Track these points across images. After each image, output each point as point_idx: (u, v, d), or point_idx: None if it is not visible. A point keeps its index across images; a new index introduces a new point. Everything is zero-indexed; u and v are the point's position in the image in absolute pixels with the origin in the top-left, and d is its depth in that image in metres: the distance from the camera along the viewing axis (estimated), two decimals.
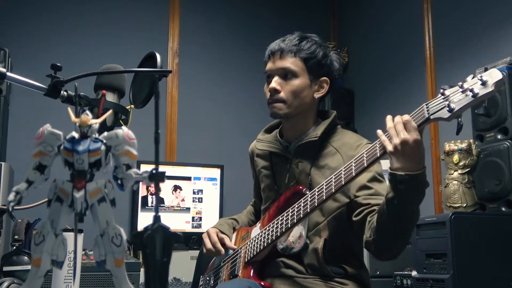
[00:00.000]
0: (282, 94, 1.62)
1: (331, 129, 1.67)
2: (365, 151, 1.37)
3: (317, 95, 1.67)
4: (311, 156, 1.63)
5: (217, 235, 1.74)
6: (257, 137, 1.82)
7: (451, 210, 2.51)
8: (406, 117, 1.29)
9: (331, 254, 1.54)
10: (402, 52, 3.70)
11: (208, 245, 1.72)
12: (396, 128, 1.29)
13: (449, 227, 2.20)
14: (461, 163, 2.54)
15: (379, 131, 1.34)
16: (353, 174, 1.37)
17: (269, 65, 1.67)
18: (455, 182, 2.55)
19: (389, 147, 1.29)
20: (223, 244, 1.72)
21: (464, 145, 2.53)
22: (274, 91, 1.62)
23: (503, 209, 2.39)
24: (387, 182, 1.37)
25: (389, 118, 1.33)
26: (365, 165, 1.35)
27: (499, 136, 2.47)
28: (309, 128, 1.68)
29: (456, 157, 2.56)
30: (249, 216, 1.92)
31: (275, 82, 1.63)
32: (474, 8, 3.11)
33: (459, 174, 2.55)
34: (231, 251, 1.73)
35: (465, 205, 2.51)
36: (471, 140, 2.56)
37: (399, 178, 1.29)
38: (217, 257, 1.80)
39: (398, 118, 1.30)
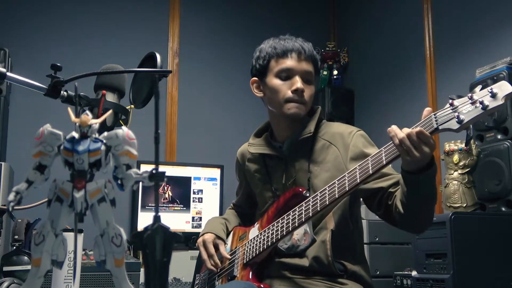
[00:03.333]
0: (305, 96, 1.62)
1: (318, 123, 1.68)
2: (370, 158, 1.37)
3: None
4: (306, 153, 1.63)
5: (213, 243, 1.71)
6: (249, 142, 1.80)
7: (451, 210, 2.51)
8: (418, 128, 1.27)
9: (336, 249, 1.53)
10: (402, 52, 3.70)
11: (205, 256, 1.70)
12: (411, 140, 1.27)
13: (449, 227, 2.20)
14: (461, 163, 2.54)
15: (393, 136, 1.31)
16: (358, 180, 1.37)
17: (292, 63, 1.63)
18: (455, 182, 2.55)
19: (406, 157, 1.29)
20: (217, 249, 1.70)
21: (464, 145, 2.53)
22: (302, 92, 1.61)
23: (503, 209, 2.39)
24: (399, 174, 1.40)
25: (395, 130, 1.30)
26: (370, 172, 1.36)
27: (499, 136, 2.47)
28: (297, 127, 1.68)
29: (456, 157, 2.56)
30: (236, 219, 1.89)
31: (302, 84, 1.61)
32: (474, 8, 3.11)
33: (459, 174, 2.55)
34: (228, 249, 1.73)
35: (465, 205, 2.51)
36: (472, 140, 2.56)
37: (421, 179, 1.32)
38: None
39: (408, 130, 1.28)
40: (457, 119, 1.22)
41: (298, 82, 1.60)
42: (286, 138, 1.69)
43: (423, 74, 3.43)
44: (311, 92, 1.64)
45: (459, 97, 1.26)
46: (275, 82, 1.64)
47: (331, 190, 1.42)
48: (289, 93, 1.61)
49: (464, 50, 3.15)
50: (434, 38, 3.40)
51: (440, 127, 1.25)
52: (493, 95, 1.19)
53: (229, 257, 1.69)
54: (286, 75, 1.63)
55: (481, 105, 1.20)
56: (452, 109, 1.25)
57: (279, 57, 1.64)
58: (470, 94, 1.23)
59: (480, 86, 1.25)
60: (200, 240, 1.74)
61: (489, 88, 1.21)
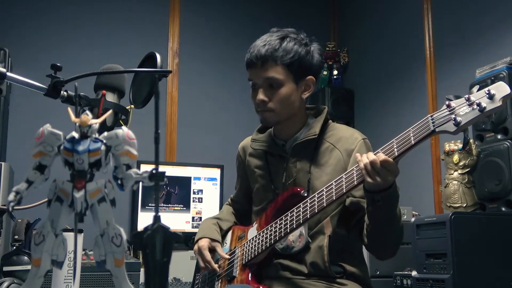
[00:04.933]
0: (270, 104, 1.59)
1: (324, 125, 1.66)
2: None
3: (304, 96, 1.65)
4: (309, 154, 1.62)
5: (209, 247, 1.71)
6: (252, 137, 1.80)
7: (451, 210, 2.50)
8: (382, 156, 1.31)
9: (332, 252, 1.54)
10: (402, 52, 3.69)
11: (202, 264, 1.70)
12: (375, 168, 1.32)
13: (449, 227, 2.20)
14: (461, 163, 2.54)
15: (359, 161, 1.36)
16: (355, 182, 1.37)
17: (252, 74, 1.62)
18: (455, 182, 2.55)
19: (368, 179, 1.34)
20: (214, 251, 1.70)
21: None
22: (262, 102, 1.60)
23: (503, 209, 2.39)
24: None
25: (359, 158, 1.37)
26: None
27: (499, 136, 2.47)
28: (301, 126, 1.67)
29: (456, 157, 2.55)
30: (231, 216, 1.88)
31: (262, 94, 1.59)
32: (474, 8, 3.11)
33: (459, 174, 2.55)
34: (227, 249, 1.73)
35: (465, 205, 2.51)
36: (471, 140, 2.56)
37: (376, 198, 1.37)
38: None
39: (372, 157, 1.32)
40: (454, 122, 1.21)
41: (258, 94, 1.60)
42: (288, 137, 1.68)
43: (423, 74, 3.43)
44: (279, 97, 1.59)
45: (457, 97, 1.24)
46: (251, 91, 1.66)
47: (328, 192, 1.41)
48: (255, 104, 1.63)
49: (464, 50, 3.15)
50: (434, 38, 3.40)
51: (437, 130, 1.24)
52: (491, 97, 1.17)
53: (228, 257, 1.69)
54: (252, 85, 1.64)
55: (478, 107, 1.18)
56: (449, 111, 1.23)
57: (247, 68, 1.65)
58: (467, 95, 1.21)
59: (477, 87, 1.23)
60: (195, 248, 1.74)
61: (486, 89, 1.18)
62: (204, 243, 1.72)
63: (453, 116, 1.21)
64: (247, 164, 1.79)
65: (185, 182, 3.53)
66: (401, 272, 2.61)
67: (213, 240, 1.73)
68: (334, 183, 1.41)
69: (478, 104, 1.18)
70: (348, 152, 1.58)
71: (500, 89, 1.18)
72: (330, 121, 1.71)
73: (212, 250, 1.71)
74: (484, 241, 2.23)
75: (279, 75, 1.58)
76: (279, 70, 1.58)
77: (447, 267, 2.19)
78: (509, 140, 2.41)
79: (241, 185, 1.87)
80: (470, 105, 1.20)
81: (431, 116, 1.27)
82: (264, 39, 1.62)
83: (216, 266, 1.67)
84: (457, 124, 1.20)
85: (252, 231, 1.67)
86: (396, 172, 1.33)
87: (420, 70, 3.47)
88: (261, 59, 1.58)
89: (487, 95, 1.18)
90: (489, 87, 1.19)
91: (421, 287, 2.34)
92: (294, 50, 1.58)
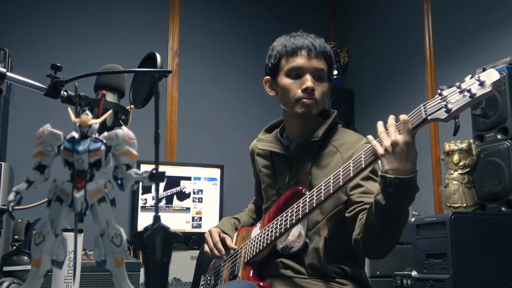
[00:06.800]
0: (316, 94, 1.60)
1: (332, 128, 1.67)
2: (363, 151, 1.36)
3: None
4: (312, 156, 1.63)
5: (219, 235, 1.74)
6: (258, 137, 1.82)
7: (451, 210, 2.50)
8: (403, 117, 1.28)
9: (331, 254, 1.54)
10: (402, 52, 3.70)
11: (210, 244, 1.72)
12: (389, 130, 1.29)
13: (449, 227, 2.20)
14: (461, 163, 2.54)
15: (370, 137, 1.35)
16: (351, 175, 1.36)
17: (302, 61, 1.61)
18: (455, 182, 2.55)
19: (380, 150, 1.29)
20: (224, 244, 1.71)
21: (464, 145, 2.53)
22: (312, 91, 1.60)
23: (503, 209, 2.39)
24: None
25: (380, 123, 1.32)
26: (363, 166, 1.34)
27: (499, 136, 2.47)
28: (309, 127, 1.68)
29: (456, 157, 2.55)
30: (251, 214, 1.92)
31: (312, 82, 1.59)
32: (474, 8, 3.11)
33: (459, 174, 2.55)
34: (232, 251, 1.73)
35: (465, 205, 2.51)
36: (471, 140, 2.56)
37: (388, 181, 1.29)
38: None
39: (391, 120, 1.30)
40: (445, 109, 1.22)
41: (308, 81, 1.59)
42: (296, 138, 1.69)
43: (423, 74, 3.43)
44: (323, 90, 1.62)
45: (449, 87, 1.26)
46: (286, 81, 1.63)
47: (326, 186, 1.41)
48: (299, 93, 1.60)
49: (464, 50, 3.15)
50: (434, 38, 3.40)
51: (429, 117, 1.25)
52: (481, 83, 1.19)
53: (236, 247, 1.70)
54: (296, 73, 1.62)
55: (468, 94, 1.19)
56: (441, 99, 1.24)
57: (289, 56, 1.63)
58: (458, 83, 1.23)
59: (469, 75, 1.24)
60: (207, 233, 1.77)
61: (476, 76, 1.20)
62: (215, 229, 1.77)
63: (444, 103, 1.23)
64: (256, 163, 1.82)
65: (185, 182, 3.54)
66: (401, 272, 2.61)
67: (224, 232, 1.76)
68: (332, 177, 1.41)
69: (469, 91, 1.20)
70: (349, 155, 1.57)
71: (490, 75, 1.19)
72: (340, 125, 1.71)
73: (222, 242, 1.73)
74: (484, 241, 2.24)
75: (325, 69, 1.64)
76: (325, 65, 1.64)
77: (447, 267, 2.19)
78: (509, 140, 2.41)
79: (256, 183, 1.90)
80: (461, 92, 1.22)
81: (423, 105, 1.28)
82: (307, 34, 1.67)
83: (222, 248, 1.69)
84: (448, 111, 1.22)
85: (255, 231, 1.68)
86: (411, 144, 1.26)
87: (420, 70, 3.47)
88: (316, 50, 1.62)
89: (478, 82, 1.20)
90: (480, 74, 1.21)
91: (421, 287, 2.34)
92: (332, 55, 1.68)
